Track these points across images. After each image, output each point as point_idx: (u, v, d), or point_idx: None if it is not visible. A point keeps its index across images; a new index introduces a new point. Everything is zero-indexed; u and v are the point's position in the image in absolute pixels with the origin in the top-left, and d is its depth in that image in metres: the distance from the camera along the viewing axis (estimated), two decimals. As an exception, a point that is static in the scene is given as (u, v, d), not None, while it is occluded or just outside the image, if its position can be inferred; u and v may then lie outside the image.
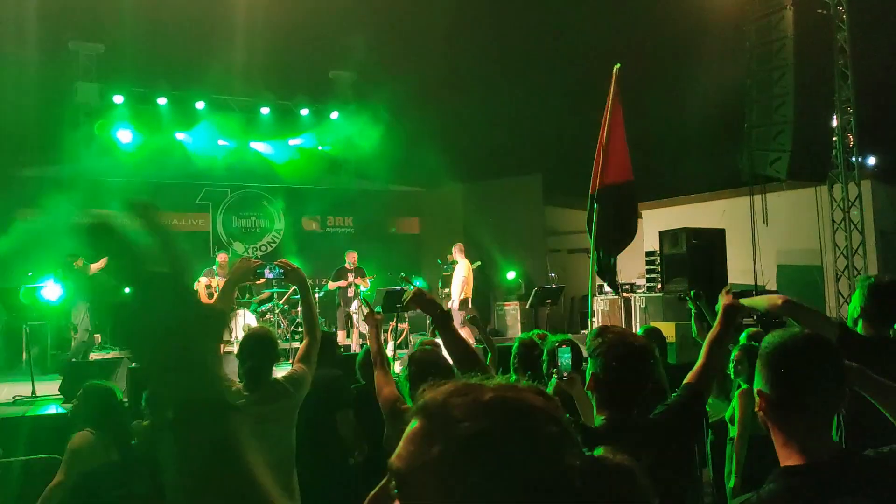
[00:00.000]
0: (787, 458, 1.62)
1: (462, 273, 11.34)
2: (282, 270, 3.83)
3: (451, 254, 11.78)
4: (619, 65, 6.02)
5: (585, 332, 7.01)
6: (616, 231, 6.15)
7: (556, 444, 0.88)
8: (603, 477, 0.91)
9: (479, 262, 12.15)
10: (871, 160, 14.62)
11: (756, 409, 1.72)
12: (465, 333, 11.20)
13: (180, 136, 14.55)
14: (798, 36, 12.04)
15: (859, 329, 3.35)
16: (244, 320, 11.20)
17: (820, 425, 1.65)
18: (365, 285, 11.95)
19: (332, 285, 11.97)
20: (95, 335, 11.07)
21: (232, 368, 3.82)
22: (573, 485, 0.86)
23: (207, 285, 11.16)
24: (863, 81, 13.04)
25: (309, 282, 3.96)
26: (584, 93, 14.49)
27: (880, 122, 14.12)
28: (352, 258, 12.02)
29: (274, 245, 15.67)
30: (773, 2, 12.44)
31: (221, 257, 11.81)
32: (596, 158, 6.05)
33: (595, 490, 0.88)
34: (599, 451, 1.01)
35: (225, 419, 1.07)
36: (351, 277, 11.84)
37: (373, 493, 0.90)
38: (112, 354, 9.92)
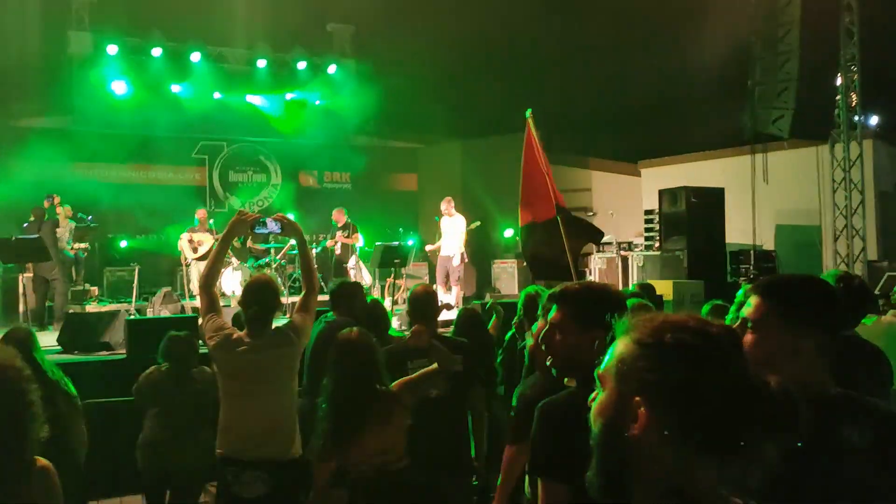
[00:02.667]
0: None
1: (463, 227, 11.29)
2: (279, 224, 3.85)
3: (443, 208, 11.52)
4: (530, 110, 6.35)
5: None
6: (549, 261, 6.53)
7: (738, 373, 1.10)
8: (765, 398, 1.12)
9: (478, 222, 12.09)
10: (874, 119, 14.49)
11: None
12: (458, 290, 11.15)
13: (175, 88, 14.35)
14: (804, -8, 11.85)
15: None
16: (241, 276, 11.20)
17: None
18: (352, 241, 11.94)
19: (329, 243, 12.09)
20: (92, 287, 11.11)
21: (227, 319, 3.82)
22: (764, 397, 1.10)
23: (190, 240, 11.21)
24: (868, 40, 12.86)
25: (306, 237, 3.96)
26: (584, 47, 14.31)
27: (884, 82, 13.96)
28: (335, 216, 12.08)
29: (270, 200, 15.60)
30: (780, -44, 12.21)
31: (201, 213, 11.80)
32: (522, 195, 6.53)
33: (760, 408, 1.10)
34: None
35: None
36: (339, 235, 11.89)
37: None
38: (110, 307, 9.94)
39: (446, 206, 11.37)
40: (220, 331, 3.42)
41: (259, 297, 3.49)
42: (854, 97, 12.82)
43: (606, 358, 1.17)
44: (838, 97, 12.82)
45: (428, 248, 11.84)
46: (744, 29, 13.01)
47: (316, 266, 4.31)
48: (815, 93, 12.17)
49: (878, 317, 5.67)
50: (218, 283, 3.93)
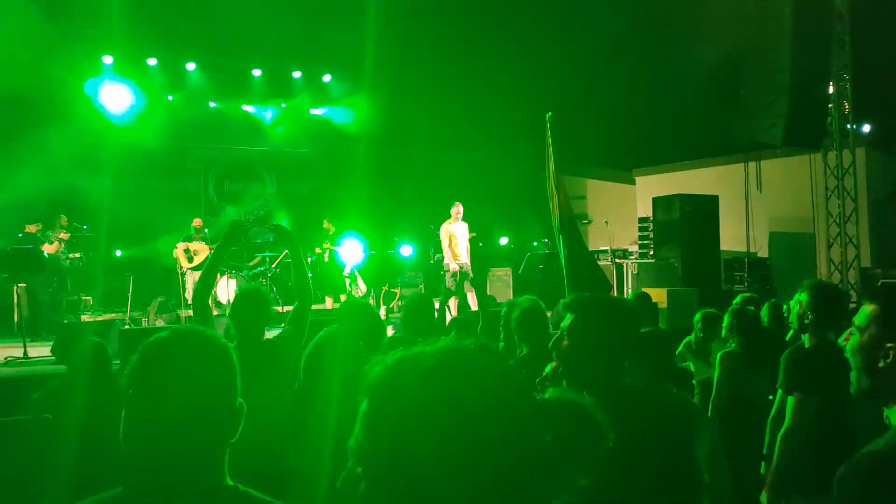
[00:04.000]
0: None
1: (467, 233, 11.19)
2: (273, 233, 3.85)
3: (454, 213, 11.21)
4: (550, 113, 6.38)
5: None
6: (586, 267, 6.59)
7: (503, 401, 0.87)
8: (556, 415, 0.94)
9: (473, 234, 12.11)
10: (866, 128, 14.56)
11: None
12: (472, 298, 10.96)
13: (170, 97, 14.38)
14: (796, 1, 11.90)
15: (805, 337, 3.43)
16: (237, 284, 11.21)
17: None
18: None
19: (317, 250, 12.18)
20: (86, 297, 11.10)
21: (220, 330, 3.81)
22: (530, 432, 0.86)
23: (186, 249, 11.24)
24: (859, 49, 12.94)
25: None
26: (580, 58, 14.36)
27: (876, 90, 14.05)
28: (327, 224, 12.16)
29: (266, 209, 15.61)
30: (773, -34, 12.29)
31: (196, 222, 11.84)
32: (557, 191, 6.47)
33: (553, 428, 0.91)
34: (550, 393, 1.03)
35: None
36: (326, 244, 11.97)
37: (342, 475, 0.97)
38: (104, 317, 9.94)
39: (456, 210, 11.26)
40: (212, 343, 3.41)
41: (249, 309, 3.47)
42: (846, 106, 12.89)
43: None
44: (830, 105, 12.88)
45: (450, 263, 11.33)
46: (736, 38, 13.07)
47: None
48: (808, 101, 12.21)
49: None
50: (213, 293, 3.94)
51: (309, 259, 12.40)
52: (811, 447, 3.24)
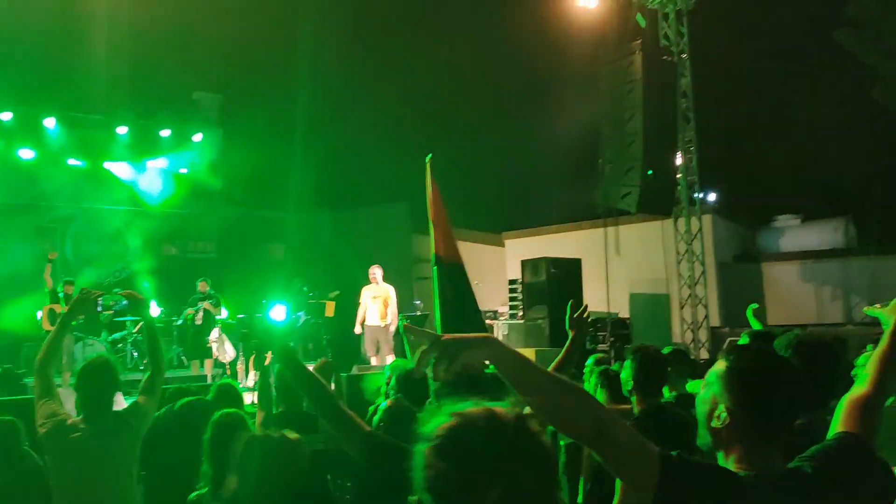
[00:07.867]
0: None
1: (394, 294, 11.06)
2: (127, 300, 3.73)
3: (371, 276, 11.22)
4: (430, 155, 6.59)
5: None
6: (458, 310, 6.55)
7: None
8: None
9: (337, 291, 12.09)
10: (712, 196, 15.81)
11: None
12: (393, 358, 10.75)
13: (24, 153, 13.65)
14: (646, 80, 12.88)
15: (633, 399, 3.51)
16: (93, 350, 10.60)
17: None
18: (216, 312, 11.62)
19: (189, 311, 11.69)
20: None
21: (69, 403, 3.63)
22: None
23: (51, 310, 10.60)
24: (704, 124, 14.14)
25: (159, 311, 3.87)
26: (450, 122, 14.90)
27: (719, 162, 15.34)
28: (202, 287, 11.76)
29: (128, 271, 14.90)
30: (624, 47, 13.29)
31: (68, 288, 11.18)
32: (436, 231, 6.48)
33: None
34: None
35: None
36: (206, 304, 11.56)
37: None
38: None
39: (372, 273, 11.14)
40: (54, 417, 3.23)
41: (94, 380, 3.32)
42: (693, 176, 13.96)
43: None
44: (679, 175, 13.91)
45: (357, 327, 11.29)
46: (595, 112, 13.97)
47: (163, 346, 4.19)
48: (659, 171, 13.15)
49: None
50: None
51: (177, 322, 11.96)
52: None
